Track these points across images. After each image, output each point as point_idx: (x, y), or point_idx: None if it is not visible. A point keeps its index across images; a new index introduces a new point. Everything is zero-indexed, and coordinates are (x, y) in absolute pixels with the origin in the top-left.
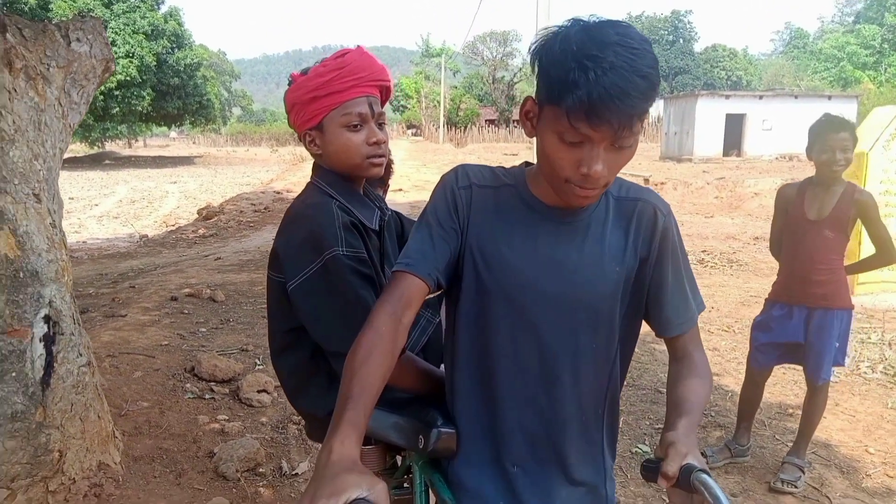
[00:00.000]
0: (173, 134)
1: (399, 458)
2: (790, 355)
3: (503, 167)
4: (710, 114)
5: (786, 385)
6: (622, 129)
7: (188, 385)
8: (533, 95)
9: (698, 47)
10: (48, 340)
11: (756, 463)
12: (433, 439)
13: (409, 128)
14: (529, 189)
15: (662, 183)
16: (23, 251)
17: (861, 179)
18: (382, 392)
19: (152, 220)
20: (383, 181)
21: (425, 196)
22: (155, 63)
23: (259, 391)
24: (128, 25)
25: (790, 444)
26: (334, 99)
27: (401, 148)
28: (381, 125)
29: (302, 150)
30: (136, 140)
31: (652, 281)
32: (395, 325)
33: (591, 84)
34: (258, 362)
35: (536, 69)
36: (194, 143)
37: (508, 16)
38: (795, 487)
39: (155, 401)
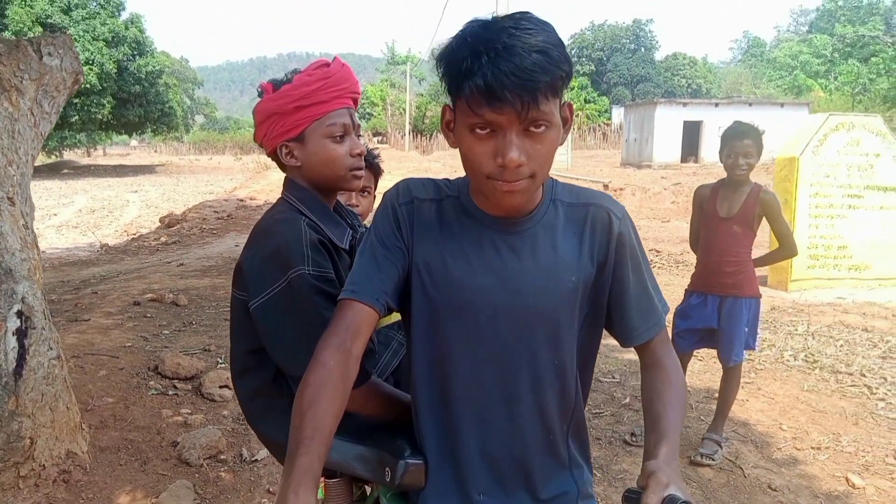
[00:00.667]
0: (134, 142)
1: (368, 488)
2: (707, 340)
3: (447, 179)
4: (668, 121)
5: (715, 373)
6: (526, 107)
7: (152, 382)
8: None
9: (659, 55)
10: (21, 334)
11: (681, 441)
12: (400, 472)
13: (374, 135)
14: (472, 200)
15: (621, 189)
16: None
17: (793, 182)
18: (347, 419)
19: (113, 230)
20: (365, 190)
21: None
22: (115, 70)
23: (221, 387)
24: (87, 32)
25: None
26: (318, 109)
27: None
28: (358, 136)
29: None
30: (95, 149)
31: (612, 287)
32: (344, 357)
33: (484, 67)
34: (220, 361)
35: (440, 72)
36: (156, 151)
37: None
38: (713, 460)
39: (120, 397)
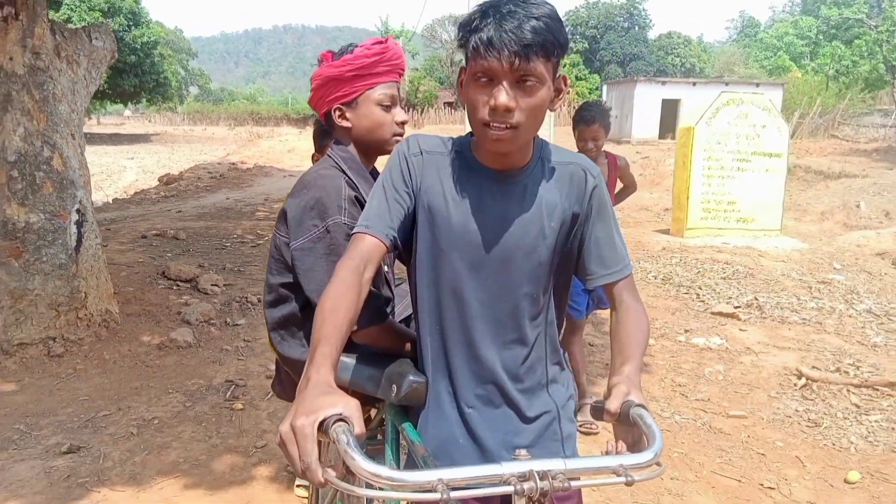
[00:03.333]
0: (128, 112)
1: (373, 412)
2: (599, 302)
3: (451, 136)
4: (647, 99)
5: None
6: (517, 59)
7: (160, 281)
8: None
9: (653, 34)
10: (79, 225)
11: None
12: (405, 388)
13: None
14: (473, 154)
15: None
16: (66, 167)
17: (689, 148)
18: (362, 347)
19: (113, 191)
20: None
21: (377, 167)
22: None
23: (213, 285)
24: (84, 2)
25: None
26: (373, 80)
27: None
28: (403, 108)
29: (259, 129)
30: (90, 118)
31: (584, 235)
32: (357, 278)
33: (489, 25)
34: (213, 272)
35: (458, 36)
36: (150, 121)
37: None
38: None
39: (137, 287)
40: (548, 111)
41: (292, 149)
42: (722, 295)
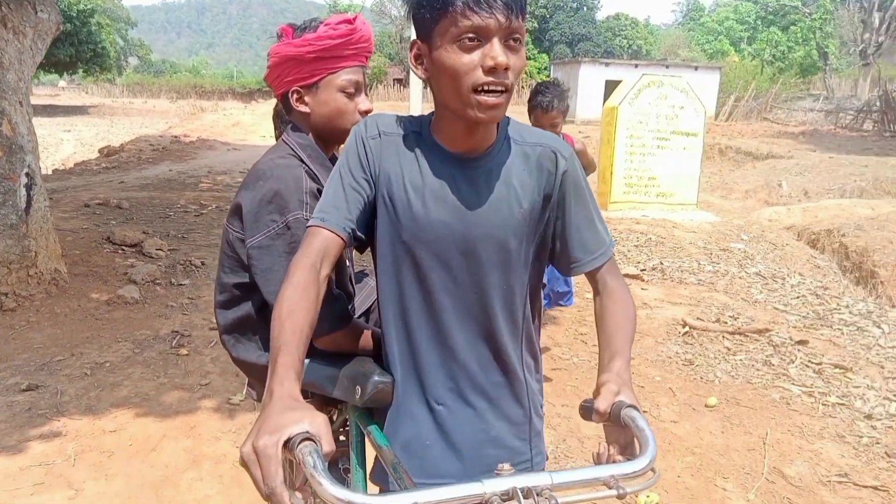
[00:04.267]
0: (63, 83)
1: (335, 413)
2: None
3: (411, 115)
4: (591, 79)
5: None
6: (512, 14)
7: (106, 245)
8: (416, 38)
9: (601, 16)
10: (27, 187)
11: None
12: (370, 389)
13: None
14: (433, 136)
15: None
16: (14, 133)
17: (613, 126)
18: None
19: (50, 164)
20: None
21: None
22: None
23: (157, 249)
24: None
25: None
26: (336, 63)
27: None
28: (367, 93)
29: (203, 103)
30: None
31: (558, 220)
32: (314, 276)
33: None
34: (157, 237)
35: (414, 4)
36: (87, 93)
37: None
38: None
39: (84, 251)
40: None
41: (237, 123)
42: (632, 260)
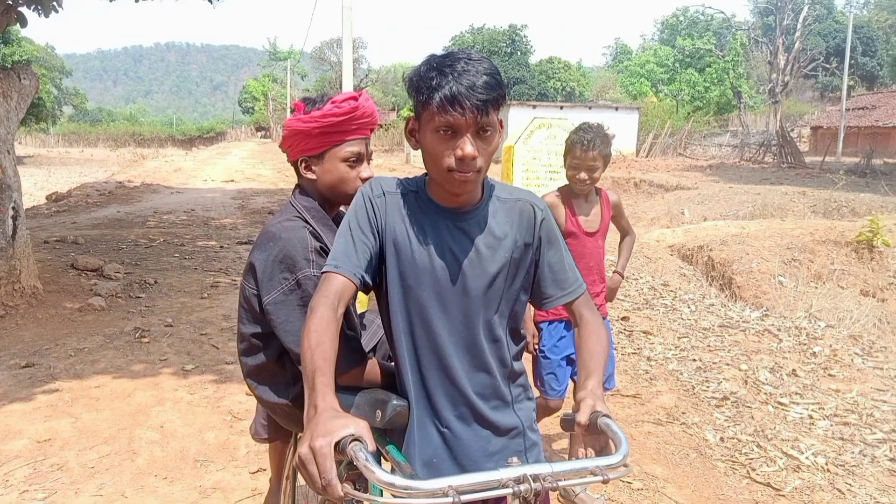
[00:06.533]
0: None
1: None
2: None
3: (408, 178)
4: (519, 120)
5: None
6: (480, 114)
7: (70, 271)
8: (412, 115)
9: (535, 59)
10: (14, 218)
11: None
12: (390, 412)
13: (257, 130)
14: (429, 195)
15: None
16: (4, 175)
17: (511, 163)
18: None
19: None
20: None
21: (254, 185)
22: None
23: (115, 272)
24: None
25: None
26: (341, 137)
27: (245, 149)
28: (369, 161)
29: (143, 150)
30: None
31: (539, 262)
32: (333, 313)
33: (450, 83)
34: (115, 263)
35: (410, 89)
36: (20, 143)
37: (356, 25)
38: None
39: (52, 275)
40: None
41: (179, 168)
42: None
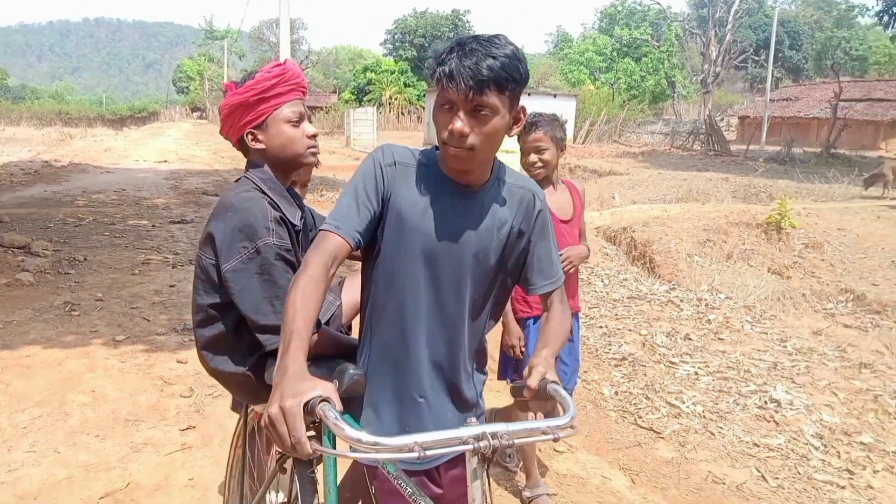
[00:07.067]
0: None
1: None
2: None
3: (422, 149)
4: None
5: None
6: (472, 92)
7: None
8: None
9: None
10: None
11: None
12: (346, 381)
13: (193, 111)
14: (440, 169)
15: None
16: None
17: None
18: None
19: None
20: (304, 181)
21: (189, 166)
22: None
23: (44, 249)
24: None
25: None
26: (277, 100)
27: (180, 130)
28: (310, 120)
29: (70, 130)
30: None
31: (530, 250)
32: (325, 273)
33: (453, 59)
34: (43, 241)
35: (431, 67)
36: None
37: (294, 5)
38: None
39: None
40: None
41: (109, 148)
42: None
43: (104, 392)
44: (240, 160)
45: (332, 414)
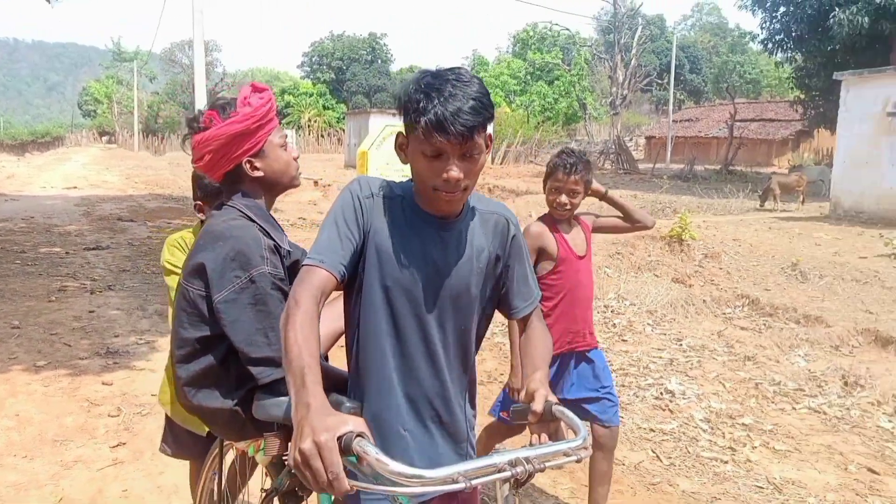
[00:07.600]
0: None
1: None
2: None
3: (394, 181)
4: (379, 128)
5: None
6: (465, 139)
7: None
8: (403, 132)
9: (395, 67)
10: None
11: None
12: (343, 413)
13: (101, 135)
14: (416, 202)
15: (328, 185)
16: None
17: (365, 167)
18: (284, 384)
19: None
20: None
21: (100, 192)
22: None
23: None
24: None
25: None
26: (270, 125)
27: (88, 155)
28: None
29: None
30: None
31: (508, 274)
32: (317, 308)
33: (435, 108)
34: None
35: (398, 108)
36: None
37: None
38: None
39: None
40: None
41: (11, 175)
42: None
43: (28, 415)
44: (155, 185)
45: (371, 449)
